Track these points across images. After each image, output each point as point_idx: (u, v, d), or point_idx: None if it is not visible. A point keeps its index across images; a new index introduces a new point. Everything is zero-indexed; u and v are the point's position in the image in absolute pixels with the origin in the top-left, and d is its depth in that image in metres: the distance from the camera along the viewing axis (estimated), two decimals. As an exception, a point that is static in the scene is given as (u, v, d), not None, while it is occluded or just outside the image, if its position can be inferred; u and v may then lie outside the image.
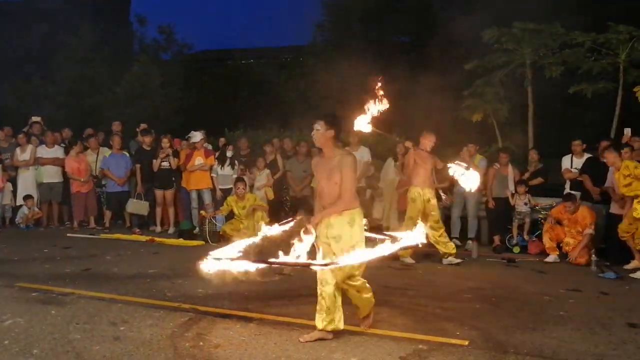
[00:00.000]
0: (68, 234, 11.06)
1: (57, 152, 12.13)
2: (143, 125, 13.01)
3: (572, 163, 9.90)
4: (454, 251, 8.80)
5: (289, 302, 6.20)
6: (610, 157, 8.37)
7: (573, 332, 5.33)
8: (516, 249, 9.96)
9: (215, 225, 10.37)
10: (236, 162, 11.54)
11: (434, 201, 8.73)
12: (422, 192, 8.60)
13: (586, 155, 9.78)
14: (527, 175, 10.39)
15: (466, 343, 4.89)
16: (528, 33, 12.65)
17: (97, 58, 23.90)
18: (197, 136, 11.52)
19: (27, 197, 11.75)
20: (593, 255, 8.51)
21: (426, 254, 9.31)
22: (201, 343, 4.79)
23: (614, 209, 8.80)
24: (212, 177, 11.55)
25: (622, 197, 8.61)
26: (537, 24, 12.56)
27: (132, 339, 4.86)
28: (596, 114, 13.78)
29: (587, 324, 5.59)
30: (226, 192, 11.26)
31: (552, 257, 9.07)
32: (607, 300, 6.59)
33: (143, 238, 10.57)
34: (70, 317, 5.44)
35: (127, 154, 12.15)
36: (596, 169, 9.31)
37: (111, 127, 13.36)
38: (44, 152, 12.04)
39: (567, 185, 9.93)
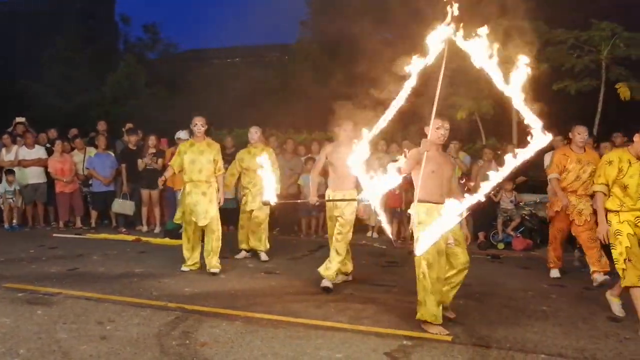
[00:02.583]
0: (54, 234, 11.02)
1: (39, 152, 12.05)
2: (129, 125, 13.01)
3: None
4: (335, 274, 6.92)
5: (275, 301, 6.23)
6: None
7: (555, 326, 5.42)
8: (500, 246, 10.08)
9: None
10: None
11: (344, 209, 6.88)
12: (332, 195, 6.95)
13: None
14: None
15: (450, 338, 4.96)
16: (512, 30, 12.72)
17: (83, 57, 23.82)
18: (184, 134, 11.49)
19: (8, 172, 11.62)
20: (576, 251, 8.63)
21: (411, 250, 9.38)
22: (187, 341, 4.81)
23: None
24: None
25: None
26: (520, 21, 12.63)
27: (119, 338, 4.88)
28: (579, 110, 13.89)
29: (570, 319, 5.69)
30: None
31: (555, 272, 7.84)
32: (590, 295, 6.68)
33: (129, 238, 10.56)
34: (57, 317, 5.44)
35: (113, 154, 12.12)
36: None
37: (96, 127, 13.33)
38: (26, 153, 11.94)
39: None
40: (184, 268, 7.80)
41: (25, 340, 4.79)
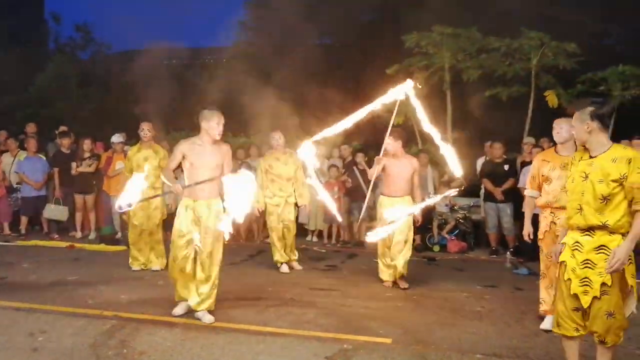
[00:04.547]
0: (-20, 242, 10.57)
1: (-36, 156, 11.52)
2: (62, 128, 12.60)
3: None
4: None
5: (215, 306, 6.15)
6: None
7: (489, 326, 5.59)
8: (436, 248, 10.30)
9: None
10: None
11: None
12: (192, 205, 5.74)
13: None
14: (446, 177, 10.71)
15: (389, 341, 5.05)
16: (447, 37, 13.05)
17: (9, 56, 22.90)
18: (117, 137, 11.21)
19: None
20: (508, 253, 8.92)
21: (350, 254, 9.51)
22: (125, 350, 4.72)
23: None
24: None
25: None
26: (455, 29, 12.96)
27: (52, 350, 4.73)
28: (510, 116, 14.35)
29: (503, 318, 5.88)
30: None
31: (548, 322, 5.31)
32: (521, 295, 6.93)
33: (62, 244, 10.21)
34: (-15, 329, 5.23)
35: (44, 157, 11.72)
36: (493, 170, 9.83)
37: (25, 129, 12.85)
38: (-50, 157, 11.39)
39: (483, 187, 10.30)
40: (134, 267, 8.12)
41: (-49, 354, 4.59)
